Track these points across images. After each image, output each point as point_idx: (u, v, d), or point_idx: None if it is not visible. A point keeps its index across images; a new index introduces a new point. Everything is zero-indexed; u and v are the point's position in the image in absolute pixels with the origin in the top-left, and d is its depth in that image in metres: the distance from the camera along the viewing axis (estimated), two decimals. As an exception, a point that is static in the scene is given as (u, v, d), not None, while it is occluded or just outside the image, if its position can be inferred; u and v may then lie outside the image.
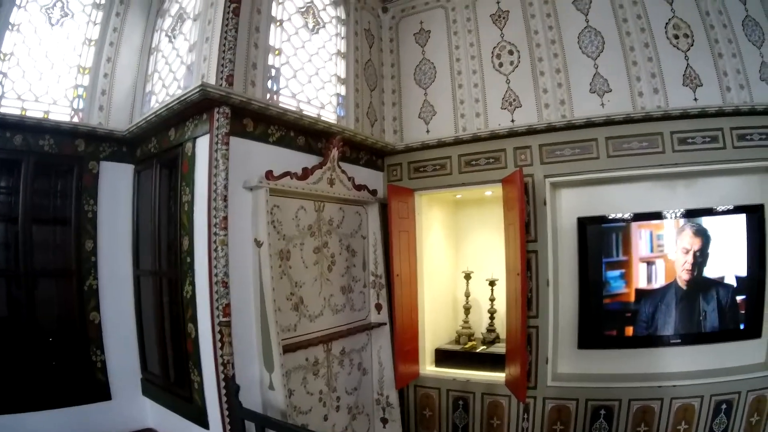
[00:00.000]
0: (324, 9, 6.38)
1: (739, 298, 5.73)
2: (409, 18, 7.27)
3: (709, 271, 5.82)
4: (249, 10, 5.08)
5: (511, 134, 6.66)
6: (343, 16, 6.63)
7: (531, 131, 6.59)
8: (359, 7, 6.85)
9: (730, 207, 6.14)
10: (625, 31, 6.71)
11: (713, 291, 5.77)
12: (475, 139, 6.80)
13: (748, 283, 5.66)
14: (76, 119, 5.30)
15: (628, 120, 6.39)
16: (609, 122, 6.41)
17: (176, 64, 5.28)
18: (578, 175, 6.39)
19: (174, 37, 5.45)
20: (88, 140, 5.31)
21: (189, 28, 5.14)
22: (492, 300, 6.97)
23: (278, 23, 5.59)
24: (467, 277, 7.08)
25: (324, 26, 6.35)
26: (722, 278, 5.83)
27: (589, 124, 6.45)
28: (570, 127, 6.50)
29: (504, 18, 6.94)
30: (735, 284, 5.75)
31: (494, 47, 6.96)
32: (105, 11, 5.58)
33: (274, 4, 5.51)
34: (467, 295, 7.09)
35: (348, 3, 6.65)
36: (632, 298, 5.87)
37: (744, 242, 6.03)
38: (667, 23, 6.73)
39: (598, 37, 6.73)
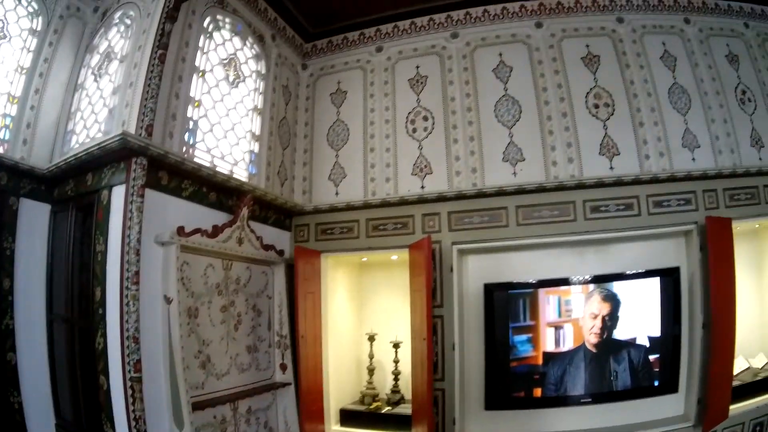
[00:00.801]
0: (246, 62, 6.66)
1: (652, 357, 6.07)
2: (328, 77, 7.63)
3: (620, 333, 6.12)
4: (174, 59, 5.26)
5: (421, 201, 6.75)
6: (264, 71, 6.89)
7: (441, 198, 6.69)
8: (280, 63, 7.19)
9: (644, 271, 6.43)
10: (544, 101, 6.87)
11: (624, 352, 6.07)
12: (384, 204, 6.85)
13: (663, 342, 6.03)
14: (0, 150, 5.18)
15: (540, 189, 6.53)
16: (520, 191, 6.56)
17: (99, 105, 5.33)
18: (487, 242, 6.53)
19: (100, 77, 5.51)
20: (10, 174, 5.13)
21: (115, 69, 5.23)
22: (396, 362, 6.97)
23: (201, 74, 5.75)
24: (371, 339, 7.05)
25: (244, 80, 6.57)
26: (634, 339, 6.13)
27: (500, 192, 6.58)
28: (480, 195, 6.62)
29: (422, 83, 7.19)
30: (648, 344, 6.08)
31: (409, 112, 7.17)
32: (39, 39, 5.57)
33: (198, 54, 5.71)
34: (371, 356, 7.06)
35: (269, 58, 6.96)
36: (540, 361, 6.07)
37: (658, 304, 6.31)
38: (588, 92, 6.96)
39: (515, 106, 6.89)
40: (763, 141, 7.41)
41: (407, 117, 7.18)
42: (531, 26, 7.26)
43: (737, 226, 6.89)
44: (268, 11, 7.19)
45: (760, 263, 7.88)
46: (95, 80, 5.57)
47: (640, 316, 6.26)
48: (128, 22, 5.47)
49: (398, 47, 7.51)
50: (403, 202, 6.81)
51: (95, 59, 5.75)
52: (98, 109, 5.37)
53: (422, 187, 6.84)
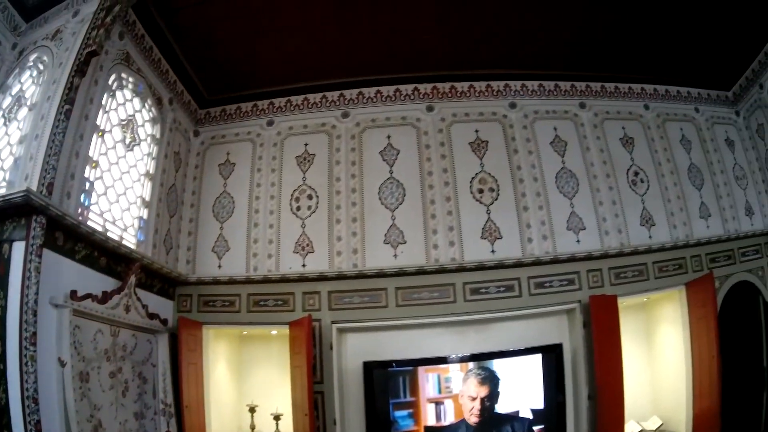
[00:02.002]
0: (143, 125, 7.52)
1: (536, 428, 7.26)
2: (218, 147, 8.85)
3: (503, 407, 7.30)
4: (79, 114, 5.89)
5: (302, 279, 8.00)
6: (158, 135, 7.81)
7: (322, 278, 7.96)
8: (174, 128, 8.20)
9: (525, 348, 7.65)
10: (428, 185, 8.34)
11: (507, 425, 7.18)
12: (266, 280, 8.09)
13: (547, 414, 7.28)
14: None
15: (421, 271, 7.84)
16: (401, 273, 7.84)
17: (6, 152, 5.90)
18: (366, 322, 7.68)
19: (9, 120, 6.10)
20: None
21: (24, 116, 5.85)
22: None
23: (100, 133, 6.41)
24: (252, 410, 7.96)
25: (139, 144, 7.39)
26: (517, 412, 7.32)
27: (381, 274, 7.87)
28: (361, 276, 7.90)
29: (309, 161, 8.53)
30: (531, 416, 7.29)
31: (295, 190, 8.52)
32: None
33: (101, 112, 6.39)
34: (252, 427, 7.95)
35: (165, 122, 7.91)
36: (422, 435, 7.13)
37: (540, 378, 7.56)
38: (473, 177, 8.41)
39: (399, 188, 8.35)
40: (654, 219, 8.82)
41: (292, 194, 8.48)
42: (422, 109, 8.80)
43: (624, 302, 8.19)
44: (169, 73, 8.13)
45: (650, 333, 9.27)
46: (5, 123, 6.23)
47: (523, 391, 7.54)
48: (41, 67, 6.22)
49: (289, 122, 8.90)
50: (285, 280, 8.02)
51: (7, 101, 6.42)
52: (5, 155, 5.98)
53: (303, 265, 8.10)
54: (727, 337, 8.28)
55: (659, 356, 9.14)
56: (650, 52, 9.08)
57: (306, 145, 8.70)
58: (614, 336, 7.87)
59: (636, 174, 8.98)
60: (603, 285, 8.19)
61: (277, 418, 8.00)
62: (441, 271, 7.82)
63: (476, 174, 8.35)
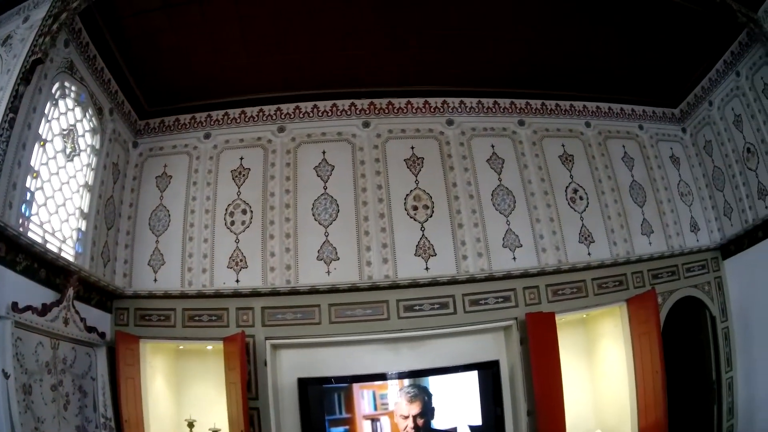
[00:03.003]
0: (83, 135, 7.34)
1: None
2: (156, 159, 8.56)
3: (440, 423, 7.31)
4: (22, 123, 5.73)
5: (236, 295, 7.89)
6: (98, 146, 7.62)
7: (255, 294, 7.84)
8: (113, 138, 7.96)
9: (461, 365, 7.61)
10: (363, 201, 8.25)
11: None
12: (200, 295, 7.99)
13: (486, 430, 7.34)
14: None
15: (354, 288, 7.75)
16: (334, 290, 7.75)
17: None
18: (299, 338, 7.60)
19: None
20: None
21: None
22: None
23: (42, 143, 6.26)
24: (190, 425, 7.82)
25: (79, 154, 7.21)
26: (455, 429, 7.37)
27: (314, 291, 7.77)
28: (294, 292, 7.79)
29: (244, 176, 8.39)
30: None
31: (229, 204, 8.36)
32: None
33: (43, 121, 6.25)
34: None
35: (105, 132, 7.70)
36: (359, 451, 7.15)
37: (477, 395, 7.54)
38: (408, 194, 8.30)
39: (333, 205, 8.24)
40: (594, 237, 8.70)
41: (227, 208, 8.31)
42: (359, 125, 8.65)
43: (561, 318, 8.09)
44: (111, 83, 7.89)
45: (591, 348, 9.20)
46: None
47: (460, 407, 7.54)
48: (-14, 74, 6.00)
49: (226, 136, 8.72)
50: (219, 295, 7.89)
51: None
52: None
53: (237, 281, 7.97)
54: (674, 352, 8.29)
55: (601, 371, 9.08)
56: (594, 70, 9.04)
57: (241, 158, 8.55)
58: (552, 352, 7.80)
59: (575, 191, 8.85)
60: (540, 302, 8.11)
61: (215, 433, 7.99)
62: (374, 288, 7.73)
63: (411, 191, 8.24)
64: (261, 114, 8.67)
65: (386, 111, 8.63)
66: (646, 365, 8.04)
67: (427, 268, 7.89)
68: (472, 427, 7.46)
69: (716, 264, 9.49)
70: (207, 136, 8.73)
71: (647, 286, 8.77)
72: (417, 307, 7.71)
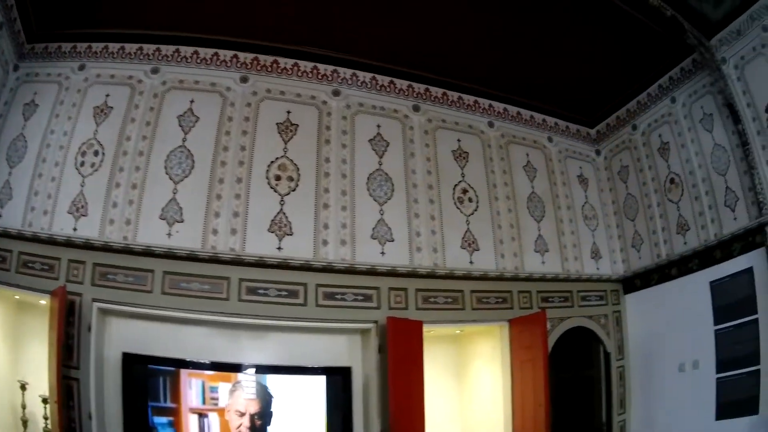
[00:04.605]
0: None
1: None
2: (29, 85, 7.44)
3: (277, 430, 6.25)
4: None
5: (69, 244, 6.77)
6: None
7: (88, 246, 6.69)
8: None
9: (307, 366, 6.63)
10: (221, 161, 7.12)
11: None
12: (35, 238, 6.86)
13: None
14: None
15: (193, 257, 6.62)
16: (171, 255, 6.60)
17: None
18: (129, 306, 6.42)
19: None
20: None
21: None
22: (46, 419, 6.62)
23: None
24: (23, 387, 6.78)
25: None
26: None
27: (148, 252, 6.61)
28: (127, 251, 6.63)
29: (105, 114, 7.41)
30: None
31: (84, 143, 7.29)
32: None
33: None
34: (23, 406, 6.79)
35: None
36: (183, 451, 5.99)
37: (324, 404, 6.52)
38: (273, 161, 7.21)
39: (189, 159, 7.15)
40: (479, 244, 7.81)
41: (80, 147, 7.22)
42: (236, 79, 7.53)
43: (431, 330, 7.21)
44: None
45: (461, 370, 8.45)
46: None
47: (303, 415, 6.51)
48: None
49: (99, 69, 7.62)
50: (52, 242, 6.78)
51: None
52: None
53: (75, 228, 6.90)
54: (558, 386, 7.55)
55: (472, 396, 8.35)
56: (509, 70, 8.21)
57: (107, 96, 7.41)
58: (415, 366, 6.86)
59: (464, 191, 8.03)
60: (407, 307, 7.20)
61: (45, 401, 6.98)
62: (215, 260, 6.63)
63: (277, 158, 7.24)
64: (140, 51, 7.59)
65: (269, 69, 7.59)
66: (527, 396, 7.32)
67: (279, 248, 6.86)
68: (312, 440, 6.49)
69: (616, 297, 8.79)
70: (81, 68, 7.63)
71: (535, 308, 7.95)
72: (262, 291, 6.66)
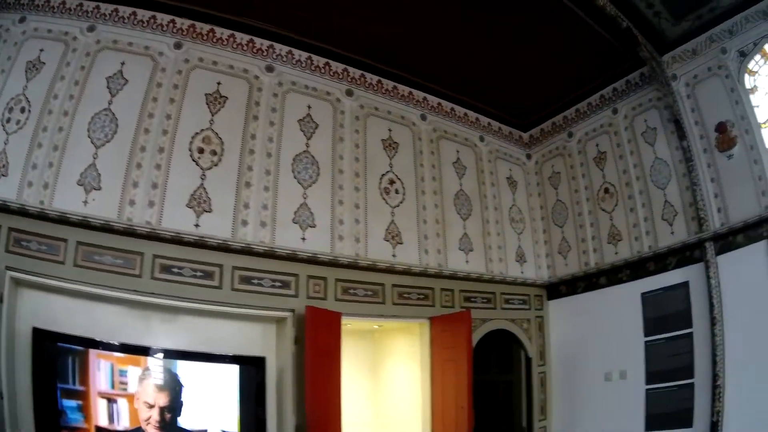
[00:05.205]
0: None
1: None
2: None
3: (188, 422, 5.88)
4: None
5: None
6: None
7: (5, 208, 5.90)
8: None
9: (219, 354, 6.22)
10: (145, 128, 6.73)
11: None
12: None
13: None
14: None
15: (107, 228, 6.15)
16: (85, 224, 6.08)
17: None
18: (39, 276, 5.85)
19: None
20: None
21: None
22: None
23: None
24: None
25: None
26: (205, 431, 5.93)
27: (63, 219, 6.07)
28: (42, 216, 6.07)
29: (37, 69, 6.80)
30: None
31: (12, 98, 6.52)
32: None
33: None
34: None
35: None
36: (93, 437, 5.54)
37: (237, 395, 6.18)
38: (197, 134, 6.93)
39: (112, 123, 6.71)
40: (402, 237, 7.72)
41: (8, 104, 6.62)
42: (170, 44, 7.21)
43: (348, 323, 7.04)
44: None
45: (375, 366, 8.43)
46: None
47: (215, 407, 6.13)
48: None
49: (37, 23, 6.97)
50: None
51: None
52: None
53: None
54: (478, 387, 7.43)
55: (387, 395, 8.27)
56: (447, 66, 8.14)
57: (41, 51, 6.90)
58: (332, 360, 6.67)
59: (391, 182, 7.93)
60: (326, 297, 7.02)
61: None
62: (130, 233, 6.22)
63: (202, 130, 6.97)
64: (80, 8, 6.92)
65: (205, 37, 7.31)
66: (448, 397, 7.22)
67: (197, 225, 6.59)
68: (224, 432, 6.19)
69: (540, 302, 8.85)
70: (22, 20, 6.90)
71: (457, 308, 7.85)
72: (176, 270, 6.32)
